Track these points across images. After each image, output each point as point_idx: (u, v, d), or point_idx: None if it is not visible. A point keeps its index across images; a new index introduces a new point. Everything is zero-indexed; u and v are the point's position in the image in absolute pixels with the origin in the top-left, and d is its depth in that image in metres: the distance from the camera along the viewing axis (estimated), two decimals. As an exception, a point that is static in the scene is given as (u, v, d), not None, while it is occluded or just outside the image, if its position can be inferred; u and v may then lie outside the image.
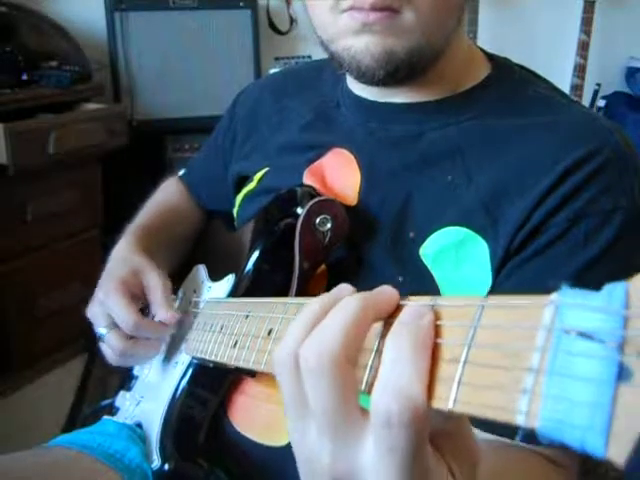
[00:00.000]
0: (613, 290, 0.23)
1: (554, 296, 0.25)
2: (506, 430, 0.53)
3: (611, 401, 0.21)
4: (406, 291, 0.35)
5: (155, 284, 0.72)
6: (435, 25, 0.61)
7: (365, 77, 0.62)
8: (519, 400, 0.25)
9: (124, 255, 0.78)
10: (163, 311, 0.70)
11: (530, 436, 0.59)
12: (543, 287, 0.61)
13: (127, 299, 0.70)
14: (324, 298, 0.36)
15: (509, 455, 0.55)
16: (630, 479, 0.21)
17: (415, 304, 0.33)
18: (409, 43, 0.60)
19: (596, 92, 2.65)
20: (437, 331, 0.31)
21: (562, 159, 0.59)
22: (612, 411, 0.21)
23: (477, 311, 0.29)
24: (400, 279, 0.62)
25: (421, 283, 0.61)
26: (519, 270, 0.59)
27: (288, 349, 0.35)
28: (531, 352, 0.25)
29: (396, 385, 0.30)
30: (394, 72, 0.61)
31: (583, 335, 0.23)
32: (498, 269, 0.59)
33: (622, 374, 0.21)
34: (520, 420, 0.24)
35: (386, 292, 0.35)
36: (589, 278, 0.56)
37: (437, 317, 0.31)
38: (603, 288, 0.23)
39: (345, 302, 0.34)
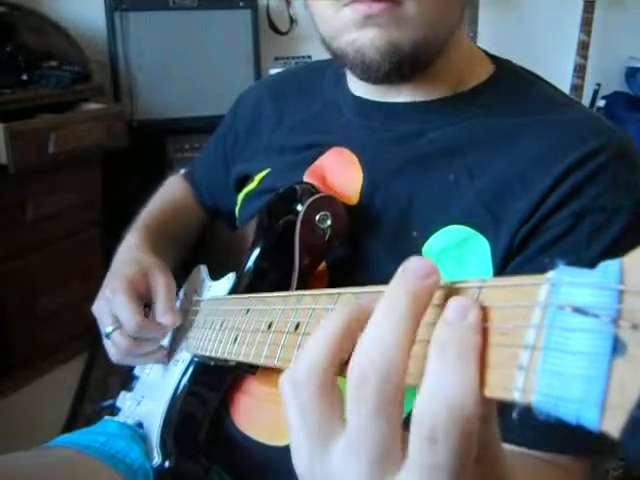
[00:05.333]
0: (608, 266, 0.23)
1: (550, 274, 0.25)
2: (518, 437, 0.53)
3: (606, 374, 0.21)
4: None
5: (161, 286, 0.72)
6: (438, 16, 0.61)
7: (370, 71, 0.62)
8: (516, 376, 0.25)
9: (133, 253, 0.79)
10: (166, 317, 0.71)
11: (540, 438, 0.57)
12: None
13: (133, 300, 0.70)
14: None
15: (519, 461, 0.54)
16: (626, 452, 0.20)
17: (460, 299, 0.29)
18: (413, 35, 0.60)
19: (596, 92, 2.65)
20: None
21: (565, 157, 0.59)
22: (607, 384, 0.21)
23: (475, 292, 0.29)
24: None
25: None
26: (522, 269, 0.58)
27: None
28: (527, 329, 0.25)
29: (446, 394, 0.26)
30: (399, 66, 0.61)
31: (578, 310, 0.23)
32: (499, 268, 0.59)
33: (617, 347, 0.21)
34: (517, 396, 0.24)
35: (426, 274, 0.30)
36: None
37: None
38: (598, 265, 0.23)
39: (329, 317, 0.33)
